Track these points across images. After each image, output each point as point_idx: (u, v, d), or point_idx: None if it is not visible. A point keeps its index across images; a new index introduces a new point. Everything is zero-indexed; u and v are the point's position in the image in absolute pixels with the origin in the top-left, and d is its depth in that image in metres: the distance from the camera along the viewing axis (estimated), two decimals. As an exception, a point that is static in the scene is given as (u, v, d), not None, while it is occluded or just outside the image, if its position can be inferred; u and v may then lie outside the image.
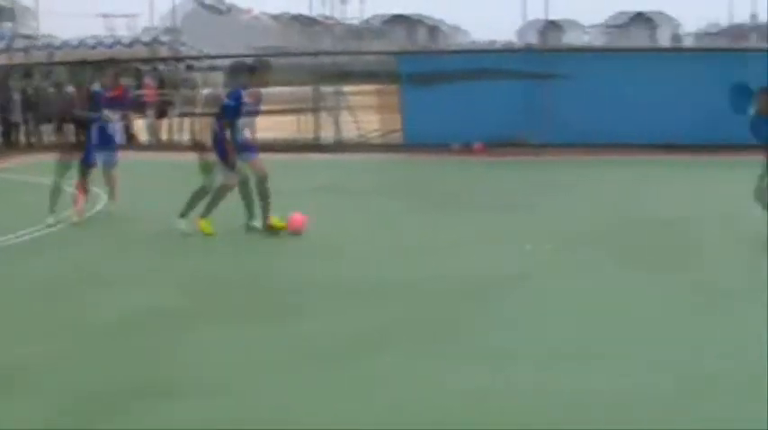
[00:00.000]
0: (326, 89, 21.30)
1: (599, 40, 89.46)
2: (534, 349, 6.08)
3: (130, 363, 5.95)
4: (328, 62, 22.11)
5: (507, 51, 37.20)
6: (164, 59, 25.14)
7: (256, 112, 10.57)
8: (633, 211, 11.11)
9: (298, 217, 10.02)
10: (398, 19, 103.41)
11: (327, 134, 21.09)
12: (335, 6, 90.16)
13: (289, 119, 23.55)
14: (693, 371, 5.64)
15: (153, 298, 7.60)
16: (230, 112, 10.02)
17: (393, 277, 8.19)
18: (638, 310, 7.04)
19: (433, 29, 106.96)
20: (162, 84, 24.99)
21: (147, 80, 23.40)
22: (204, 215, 10.07)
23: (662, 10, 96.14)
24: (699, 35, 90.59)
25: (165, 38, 28.98)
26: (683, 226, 10.25)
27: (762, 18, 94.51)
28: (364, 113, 22.34)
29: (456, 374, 5.60)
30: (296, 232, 9.94)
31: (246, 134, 10.23)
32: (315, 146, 20.69)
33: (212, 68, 52.81)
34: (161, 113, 23.49)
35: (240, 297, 7.70)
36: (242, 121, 10.10)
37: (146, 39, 28.79)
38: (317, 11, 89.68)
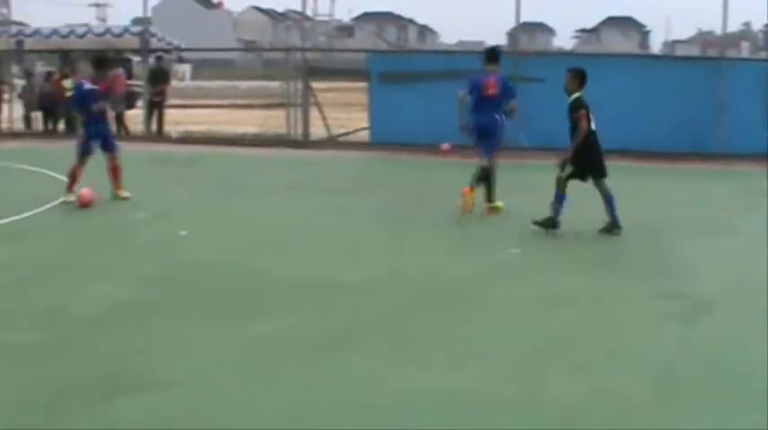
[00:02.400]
0: (296, 85, 21.24)
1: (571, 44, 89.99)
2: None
3: (95, 358, 5.90)
4: (298, 58, 21.98)
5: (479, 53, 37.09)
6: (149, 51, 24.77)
7: None
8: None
9: (85, 192, 11.39)
10: (370, 17, 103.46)
11: (297, 130, 21.02)
12: (308, 3, 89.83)
13: (257, 114, 23.46)
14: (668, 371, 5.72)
15: (121, 290, 7.57)
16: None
17: (358, 277, 8.20)
18: (604, 312, 7.11)
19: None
20: (130, 75, 24.74)
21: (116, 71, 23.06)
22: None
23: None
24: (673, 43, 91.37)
25: (134, 28, 28.62)
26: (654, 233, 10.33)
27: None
28: (333, 110, 22.30)
29: (424, 375, 5.61)
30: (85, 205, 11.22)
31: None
32: (284, 141, 20.65)
33: (181, 61, 51.63)
34: (129, 105, 23.32)
35: (206, 292, 7.65)
36: None
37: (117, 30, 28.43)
38: (292, 6, 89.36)
